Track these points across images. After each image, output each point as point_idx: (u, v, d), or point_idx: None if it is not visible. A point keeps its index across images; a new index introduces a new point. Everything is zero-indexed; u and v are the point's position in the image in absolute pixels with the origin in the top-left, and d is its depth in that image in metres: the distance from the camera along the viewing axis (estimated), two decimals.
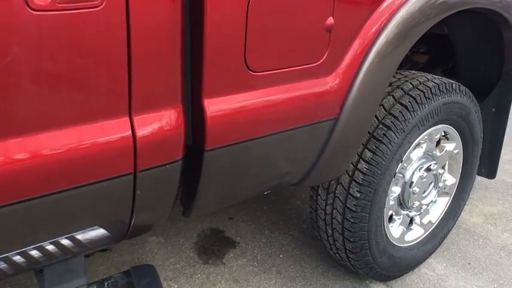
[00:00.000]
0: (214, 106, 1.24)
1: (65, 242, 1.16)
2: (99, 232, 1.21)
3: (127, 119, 1.11)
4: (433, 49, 2.47)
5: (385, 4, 1.51)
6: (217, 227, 2.50)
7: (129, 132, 1.11)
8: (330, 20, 1.38)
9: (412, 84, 1.86)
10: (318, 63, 1.41)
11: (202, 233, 2.45)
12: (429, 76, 1.95)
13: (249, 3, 1.21)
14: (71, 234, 1.16)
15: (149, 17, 1.07)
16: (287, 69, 1.35)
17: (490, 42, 2.15)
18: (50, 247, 1.15)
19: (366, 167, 1.74)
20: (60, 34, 0.98)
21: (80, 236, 1.18)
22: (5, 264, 1.10)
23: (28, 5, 0.94)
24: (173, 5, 1.11)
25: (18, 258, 1.11)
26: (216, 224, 2.52)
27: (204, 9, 1.15)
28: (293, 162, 1.53)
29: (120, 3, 1.02)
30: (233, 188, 1.46)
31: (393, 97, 1.81)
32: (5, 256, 1.09)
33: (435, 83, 1.88)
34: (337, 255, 2.04)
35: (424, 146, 1.98)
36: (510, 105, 2.27)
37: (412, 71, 2.00)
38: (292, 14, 1.31)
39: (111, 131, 1.09)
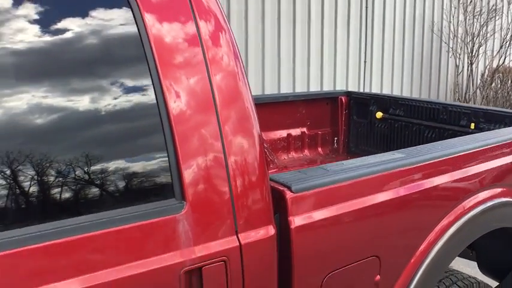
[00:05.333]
0: None
1: None
2: None
3: None
4: None
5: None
6: None
7: None
8: (378, 277, 1.83)
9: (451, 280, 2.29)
10: None
11: None
12: (459, 275, 2.37)
13: (322, 282, 1.67)
14: None
15: None
16: None
17: (503, 242, 2.58)
18: None
19: None
20: None
21: None
22: None
23: None
24: None
25: None
26: None
27: None
28: None
29: None
30: None
31: None
32: None
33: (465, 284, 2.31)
34: None
35: None
36: None
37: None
38: (352, 280, 1.76)
39: None
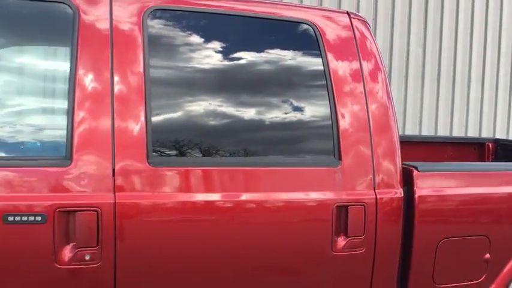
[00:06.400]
0: None
1: None
2: None
3: None
4: None
5: None
6: None
7: None
8: (487, 256, 2.30)
9: None
10: (479, 281, 2.31)
11: None
12: None
13: (437, 244, 2.20)
14: None
15: None
16: (460, 284, 2.28)
17: None
18: None
19: None
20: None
21: None
22: None
23: (331, 249, 2.05)
24: None
25: None
26: None
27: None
28: None
29: None
30: None
31: None
32: None
33: None
34: None
35: None
36: None
37: None
38: (464, 252, 2.27)
39: None
